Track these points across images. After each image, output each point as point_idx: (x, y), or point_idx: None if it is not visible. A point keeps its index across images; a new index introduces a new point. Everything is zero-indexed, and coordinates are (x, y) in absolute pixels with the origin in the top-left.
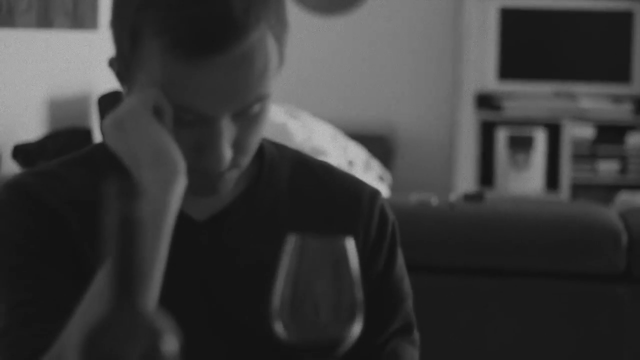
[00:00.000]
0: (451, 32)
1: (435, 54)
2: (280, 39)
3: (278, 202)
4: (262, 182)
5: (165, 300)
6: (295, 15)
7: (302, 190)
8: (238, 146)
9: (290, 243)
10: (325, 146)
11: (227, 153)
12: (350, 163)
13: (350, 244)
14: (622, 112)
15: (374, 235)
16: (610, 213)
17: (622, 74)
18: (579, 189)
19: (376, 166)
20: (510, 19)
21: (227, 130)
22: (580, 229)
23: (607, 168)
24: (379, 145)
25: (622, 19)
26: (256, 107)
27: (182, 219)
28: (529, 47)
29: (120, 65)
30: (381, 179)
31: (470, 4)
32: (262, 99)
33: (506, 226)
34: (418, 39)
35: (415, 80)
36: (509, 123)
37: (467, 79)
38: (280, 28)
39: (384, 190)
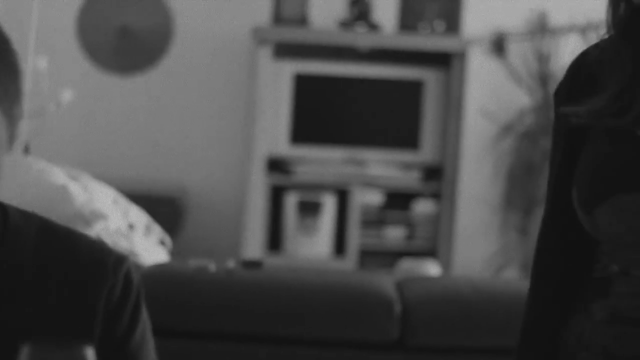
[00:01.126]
0: (244, 95)
1: (229, 117)
2: (9, 113)
3: (22, 269)
4: (5, 249)
5: None
6: (86, 73)
7: (48, 257)
8: None
9: (24, 353)
10: (105, 209)
11: None
12: (131, 227)
13: (89, 352)
14: (410, 180)
15: (116, 300)
16: (386, 281)
17: (411, 142)
18: (367, 255)
19: (157, 230)
20: (304, 85)
21: None
22: (354, 297)
23: (394, 234)
24: (170, 208)
25: (412, 88)
26: None
27: None
28: (321, 112)
29: None
30: (162, 243)
31: (264, 68)
32: None
33: (281, 294)
34: (211, 100)
35: (207, 142)
36: (299, 188)
37: (258, 143)
38: (8, 101)
39: (164, 255)
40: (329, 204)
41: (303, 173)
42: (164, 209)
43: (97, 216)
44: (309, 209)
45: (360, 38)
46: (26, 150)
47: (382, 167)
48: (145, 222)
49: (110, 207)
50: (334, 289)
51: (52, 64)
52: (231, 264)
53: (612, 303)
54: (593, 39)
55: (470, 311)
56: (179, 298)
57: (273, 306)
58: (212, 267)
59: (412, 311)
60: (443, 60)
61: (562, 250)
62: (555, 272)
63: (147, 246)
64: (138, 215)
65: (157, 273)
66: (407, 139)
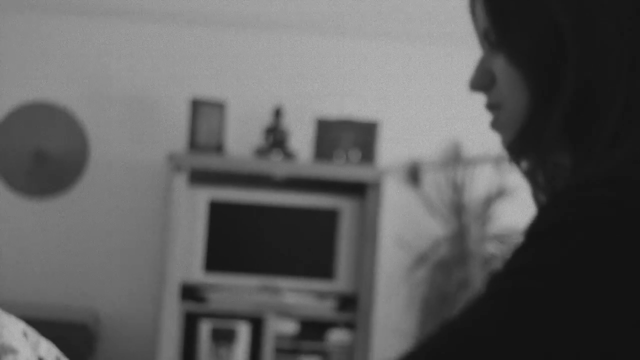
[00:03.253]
0: (159, 221)
1: (143, 243)
2: None
3: None
4: None
5: None
6: (2, 196)
7: None
8: None
9: None
10: (15, 343)
11: None
12: None
13: None
14: (324, 309)
15: None
16: None
17: (326, 271)
18: None
19: None
20: (219, 212)
21: None
22: None
23: None
24: (82, 334)
25: (328, 217)
26: None
27: None
28: (236, 240)
29: None
30: None
31: (180, 194)
32: None
33: None
34: (126, 226)
35: (121, 268)
36: (213, 315)
37: (172, 270)
38: None
39: None
40: (243, 332)
41: (217, 301)
42: (76, 335)
43: (7, 350)
44: (223, 337)
45: (276, 166)
46: None
47: (296, 295)
48: (55, 355)
49: (19, 341)
50: None
51: None
52: None
53: None
54: (506, 169)
55: None
56: None
57: None
58: None
59: None
60: (358, 190)
61: None
62: None
63: None
64: (48, 349)
65: None
66: (322, 268)
